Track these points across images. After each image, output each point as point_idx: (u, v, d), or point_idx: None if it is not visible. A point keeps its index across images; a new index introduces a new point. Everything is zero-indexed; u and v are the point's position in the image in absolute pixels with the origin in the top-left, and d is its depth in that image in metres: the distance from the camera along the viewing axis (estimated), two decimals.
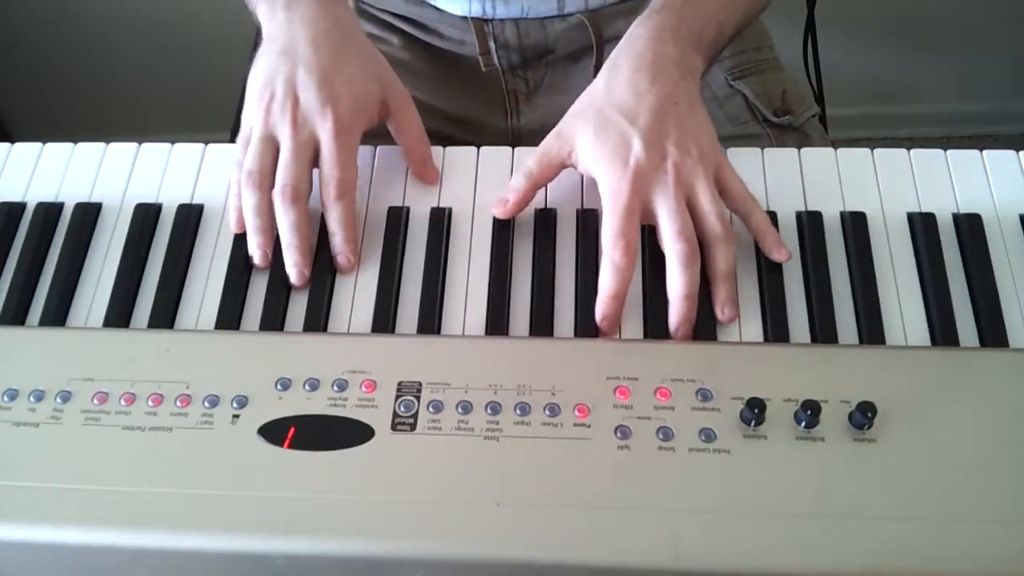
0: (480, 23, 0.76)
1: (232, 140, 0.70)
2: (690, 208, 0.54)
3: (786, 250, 0.55)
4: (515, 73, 0.79)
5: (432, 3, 0.76)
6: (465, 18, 0.76)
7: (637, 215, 0.54)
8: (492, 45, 0.76)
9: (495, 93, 0.80)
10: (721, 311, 0.54)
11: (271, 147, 0.57)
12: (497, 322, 0.54)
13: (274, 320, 0.55)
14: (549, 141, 0.58)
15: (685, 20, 0.59)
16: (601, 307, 0.53)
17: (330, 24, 0.59)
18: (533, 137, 0.69)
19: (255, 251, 0.57)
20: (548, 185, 0.60)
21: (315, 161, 0.57)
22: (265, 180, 0.57)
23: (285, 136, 0.57)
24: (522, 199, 0.58)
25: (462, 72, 0.79)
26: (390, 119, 0.61)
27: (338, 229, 0.56)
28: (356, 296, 0.56)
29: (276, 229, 0.57)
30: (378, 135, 0.62)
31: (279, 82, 0.57)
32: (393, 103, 0.61)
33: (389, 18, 0.80)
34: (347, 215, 0.56)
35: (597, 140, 0.56)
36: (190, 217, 0.60)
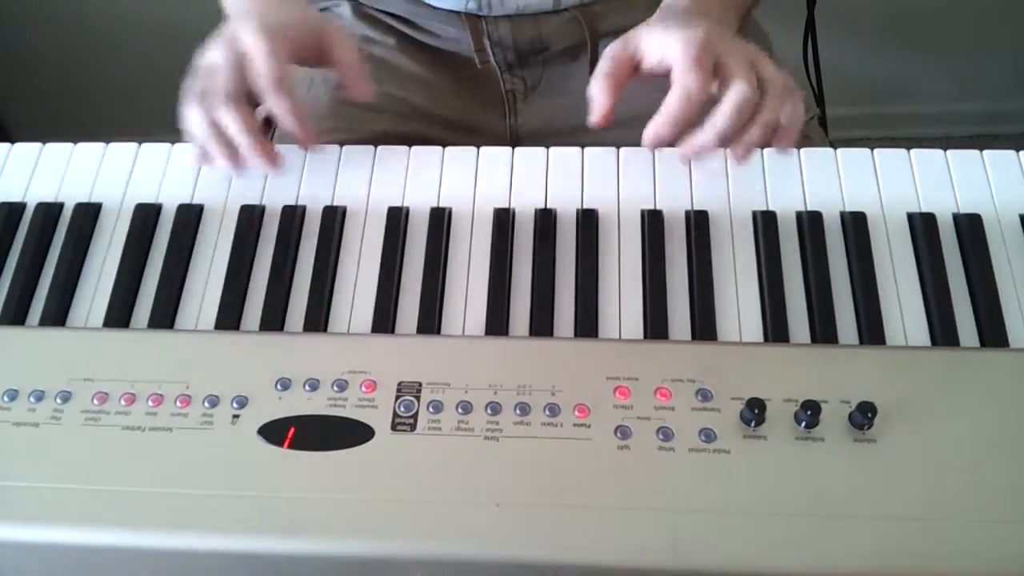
0: (475, 20, 0.76)
1: None
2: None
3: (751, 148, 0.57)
4: (512, 72, 0.79)
5: (428, 1, 0.77)
6: (459, 14, 0.76)
7: (710, 61, 0.55)
8: (487, 42, 0.77)
9: (493, 94, 0.80)
10: (735, 150, 0.56)
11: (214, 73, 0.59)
12: (497, 322, 0.54)
13: (274, 320, 0.55)
14: (614, 43, 0.60)
15: None
16: (658, 125, 0.55)
17: None
18: (532, 138, 0.68)
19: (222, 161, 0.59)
20: (548, 185, 0.60)
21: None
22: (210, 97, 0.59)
23: (219, 57, 0.59)
24: (604, 100, 0.58)
25: (459, 74, 0.79)
26: (328, 53, 0.62)
27: (286, 120, 0.57)
28: (356, 296, 0.56)
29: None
30: (383, 137, 0.62)
31: (222, 35, 0.60)
32: (327, 35, 0.62)
33: (386, 18, 0.80)
34: (290, 105, 0.57)
35: (663, 29, 0.57)
36: (190, 217, 0.60)
